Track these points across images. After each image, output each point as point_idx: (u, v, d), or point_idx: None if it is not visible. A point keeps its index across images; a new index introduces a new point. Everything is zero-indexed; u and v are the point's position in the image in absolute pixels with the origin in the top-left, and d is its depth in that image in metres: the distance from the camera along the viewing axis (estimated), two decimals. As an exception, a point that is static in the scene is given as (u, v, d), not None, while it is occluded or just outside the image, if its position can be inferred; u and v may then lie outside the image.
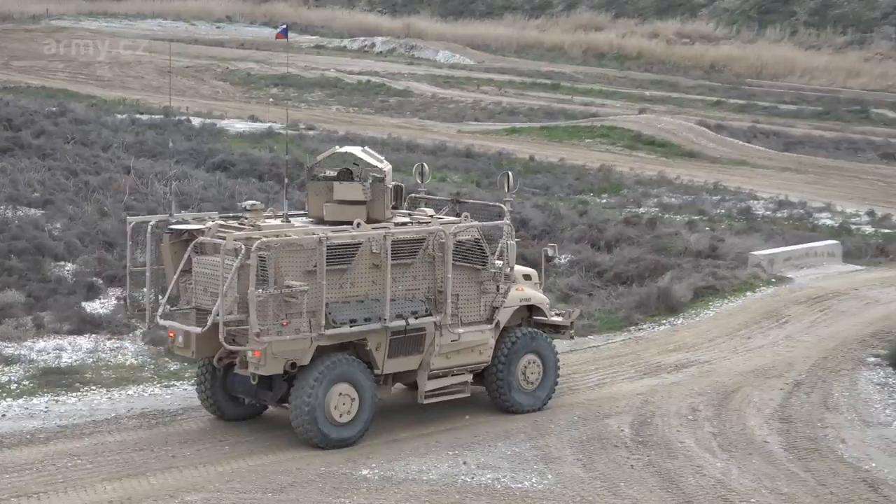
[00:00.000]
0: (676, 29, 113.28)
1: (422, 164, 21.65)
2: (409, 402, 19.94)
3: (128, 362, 22.22)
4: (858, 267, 33.07)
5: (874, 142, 62.25)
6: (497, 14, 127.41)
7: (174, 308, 18.49)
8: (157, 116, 58.24)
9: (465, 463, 17.95)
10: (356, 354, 18.48)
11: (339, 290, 18.03)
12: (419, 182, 21.26)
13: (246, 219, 18.44)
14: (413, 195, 21.00)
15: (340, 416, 18.09)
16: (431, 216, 19.90)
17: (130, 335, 23.53)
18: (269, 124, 59.11)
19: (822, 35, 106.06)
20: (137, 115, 57.91)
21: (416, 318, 18.72)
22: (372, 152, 19.70)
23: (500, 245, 20.14)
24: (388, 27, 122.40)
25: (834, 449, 19.17)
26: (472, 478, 17.42)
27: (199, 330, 17.62)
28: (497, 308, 19.92)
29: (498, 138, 58.48)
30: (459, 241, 19.19)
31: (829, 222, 40.70)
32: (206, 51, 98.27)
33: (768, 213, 42.04)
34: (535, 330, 20.68)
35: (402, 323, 18.50)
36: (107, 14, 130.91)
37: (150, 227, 18.58)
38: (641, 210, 40.36)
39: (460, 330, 19.26)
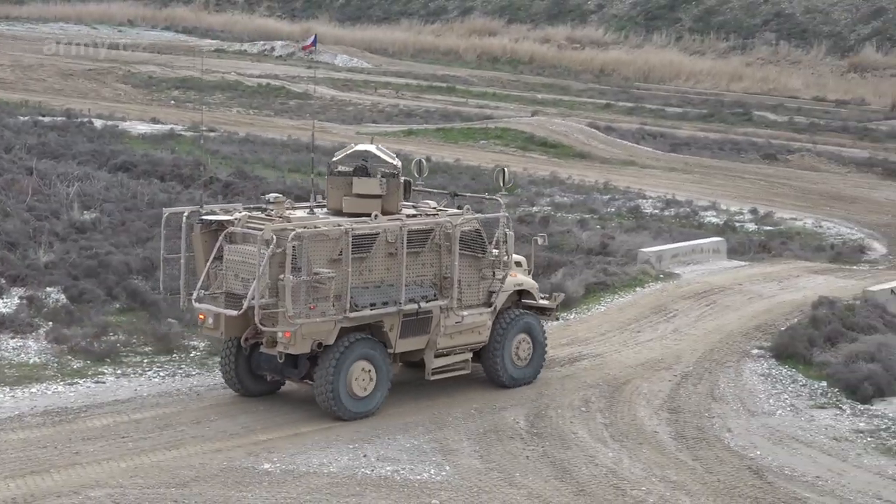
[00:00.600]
0: (567, 34, 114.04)
1: (420, 160, 22.78)
2: (308, 396, 19.81)
3: (31, 360, 21.82)
4: (742, 263, 33.49)
5: (756, 143, 63.11)
6: (394, 19, 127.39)
7: (206, 293, 19.44)
8: (59, 118, 57.34)
9: (365, 456, 17.89)
10: (372, 335, 19.67)
11: (359, 277, 19.16)
12: (417, 176, 22.24)
13: (271, 210, 19.50)
14: (413, 189, 21.86)
15: (360, 390, 19.34)
16: (435, 208, 21.13)
17: (33, 334, 23.12)
18: (170, 126, 58.45)
19: (706, 41, 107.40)
20: (40, 117, 56.96)
21: (427, 301, 19.98)
22: (384, 150, 20.96)
23: (496, 235, 21.11)
24: (288, 31, 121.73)
25: (720, 438, 19.40)
26: (373, 470, 17.37)
27: (235, 313, 18.64)
28: (494, 292, 21.15)
29: (395, 140, 58.30)
30: (463, 232, 20.36)
31: (714, 220, 41.17)
32: (108, 53, 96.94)
33: (656, 211, 42.40)
34: (526, 311, 21.98)
35: (414, 306, 19.76)
36: (9, 18, 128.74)
37: (184, 218, 19.71)
38: (535, 209, 40.52)
39: (464, 312, 20.51)
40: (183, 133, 56.27)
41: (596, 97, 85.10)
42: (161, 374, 21.57)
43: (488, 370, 21.60)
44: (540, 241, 22.77)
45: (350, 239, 18.82)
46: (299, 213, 20.05)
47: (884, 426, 20.23)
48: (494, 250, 21.05)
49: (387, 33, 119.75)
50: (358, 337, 19.35)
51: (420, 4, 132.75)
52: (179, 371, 21.79)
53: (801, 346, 24.00)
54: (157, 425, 18.82)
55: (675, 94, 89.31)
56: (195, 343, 23.23)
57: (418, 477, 17.21)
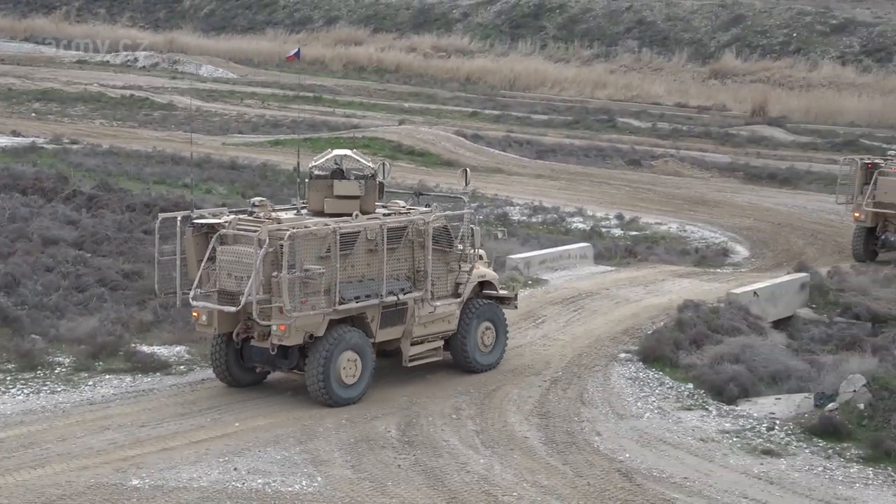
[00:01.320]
0: (433, 43, 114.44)
1: (384, 163, 23.63)
2: (181, 410, 19.57)
3: None
4: (609, 268, 33.89)
5: (621, 149, 63.96)
6: (259, 29, 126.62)
7: (200, 291, 20.61)
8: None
9: (235, 469, 17.73)
10: (356, 326, 21.14)
11: (343, 272, 20.57)
12: (382, 178, 22.97)
13: (258, 213, 20.87)
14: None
15: (348, 378, 20.79)
16: (405, 206, 22.75)
17: None
18: (31, 139, 57.37)
19: (571, 49, 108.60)
20: None
21: (405, 293, 21.57)
22: (360, 154, 22.50)
23: (461, 230, 22.83)
24: (151, 42, 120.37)
25: (590, 442, 19.60)
26: (243, 483, 17.22)
27: (234, 309, 20.06)
28: (461, 284, 22.89)
29: (262, 150, 58.03)
30: (433, 228, 21.89)
31: (581, 226, 41.62)
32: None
33: (524, 218, 42.74)
34: (490, 301, 23.66)
35: (394, 298, 21.37)
36: None
37: (178, 222, 20.83)
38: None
39: (437, 303, 22.23)
40: (44, 146, 55.26)
41: (462, 105, 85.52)
42: (25, 391, 21.15)
43: (457, 357, 23.21)
44: (500, 235, 25.62)
45: (338, 237, 20.26)
46: (287, 215, 21.39)
47: (748, 426, 20.62)
48: (460, 245, 22.77)
49: (252, 43, 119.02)
50: (345, 329, 20.81)
51: (285, 14, 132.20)
52: (44, 388, 21.38)
53: (667, 348, 24.36)
54: (21, 444, 18.44)
55: (541, 102, 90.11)
56: (60, 359, 22.82)
57: (290, 489, 17.11)
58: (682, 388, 22.59)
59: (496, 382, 22.52)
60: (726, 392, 22.06)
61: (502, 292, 24.26)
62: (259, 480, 17.34)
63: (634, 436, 19.97)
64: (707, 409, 21.50)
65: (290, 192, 44.21)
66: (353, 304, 20.79)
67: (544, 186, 51.02)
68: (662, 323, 26.53)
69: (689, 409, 21.48)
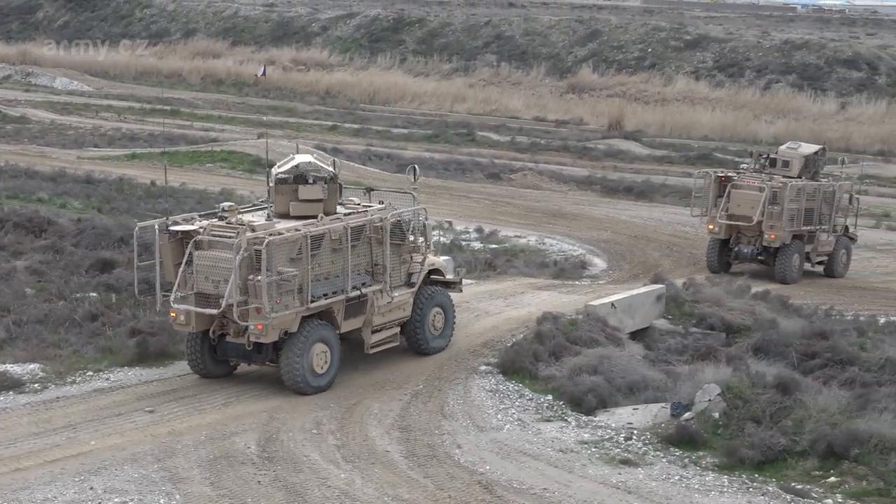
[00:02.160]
0: (292, 56, 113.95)
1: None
2: (35, 429, 19.17)
3: None
4: (469, 281, 33.93)
5: (480, 163, 64.36)
6: (114, 41, 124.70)
7: (169, 293, 22.01)
8: None
9: (91, 489, 17.44)
10: (324, 320, 22.77)
11: (312, 272, 21.99)
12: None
13: (229, 217, 22.22)
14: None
15: (319, 368, 22.50)
16: (359, 204, 24.60)
17: None
18: None
19: (430, 63, 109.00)
20: None
21: (366, 287, 23.31)
22: (321, 158, 24.62)
23: (412, 224, 24.81)
24: (3, 54, 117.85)
25: (451, 454, 19.67)
26: (100, 503, 16.93)
27: (216, 311, 21.48)
28: (414, 273, 24.85)
29: (118, 164, 57.20)
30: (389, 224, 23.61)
31: (442, 239, 41.72)
32: None
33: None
34: (439, 288, 25.69)
35: (357, 292, 23.08)
36: None
37: (156, 229, 22.05)
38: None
39: (395, 294, 24.12)
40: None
41: (322, 119, 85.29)
42: None
43: (411, 341, 25.24)
44: (446, 226, 26.46)
45: (308, 241, 21.76)
46: (258, 220, 22.68)
47: (607, 436, 20.88)
48: (411, 237, 24.69)
49: (108, 55, 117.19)
50: (315, 323, 22.48)
51: (142, 26, 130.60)
52: None
53: (526, 361, 24.54)
54: None
55: (401, 116, 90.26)
56: None
57: (148, 508, 16.87)
58: (542, 399, 22.79)
59: (357, 396, 22.49)
60: (585, 403, 22.32)
61: (449, 277, 26.18)
62: (116, 500, 17.08)
63: (495, 448, 20.09)
64: (566, 421, 21.72)
65: (147, 206, 43.78)
66: (323, 301, 22.37)
67: (404, 200, 50.97)
68: (522, 335, 26.70)
69: (549, 421, 21.68)
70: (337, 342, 23.08)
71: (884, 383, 24.48)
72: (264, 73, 30.01)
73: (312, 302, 22.11)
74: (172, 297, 21.94)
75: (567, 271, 37.43)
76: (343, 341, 23.71)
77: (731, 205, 38.59)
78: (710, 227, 38.98)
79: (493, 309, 29.77)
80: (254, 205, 24.70)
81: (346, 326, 23.59)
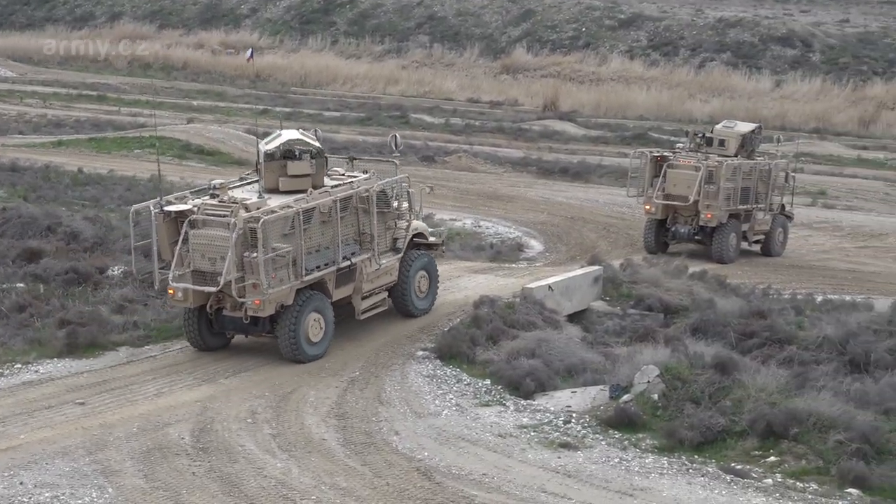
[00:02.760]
0: (221, 39, 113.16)
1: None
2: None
3: None
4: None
5: (414, 145, 64.21)
6: (38, 25, 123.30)
7: (165, 270, 23.09)
8: None
9: (21, 483, 17.27)
10: (316, 290, 23.96)
11: (304, 245, 23.06)
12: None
13: (218, 194, 23.24)
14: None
15: (314, 337, 23.74)
16: (344, 174, 25.71)
17: None
18: None
19: (362, 44, 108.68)
20: None
21: (355, 256, 24.57)
22: (307, 134, 25.28)
23: (395, 191, 26.15)
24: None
25: (388, 441, 19.66)
26: (30, 498, 16.79)
27: (215, 289, 22.57)
28: (399, 239, 26.19)
29: (44, 151, 56.54)
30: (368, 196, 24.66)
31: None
32: None
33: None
34: (423, 252, 27.15)
35: (347, 262, 24.32)
36: None
37: (152, 209, 23.00)
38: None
39: (383, 261, 25.49)
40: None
41: (253, 103, 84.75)
42: None
43: (398, 304, 26.67)
44: (428, 190, 28.43)
45: (301, 217, 22.88)
46: (249, 196, 23.64)
47: (546, 420, 20.95)
48: (395, 204, 26.01)
49: (31, 40, 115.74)
50: (309, 293, 23.63)
51: (66, 10, 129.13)
52: None
53: (463, 345, 24.58)
54: None
55: (333, 99, 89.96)
56: None
57: (79, 502, 16.77)
58: (480, 384, 22.83)
59: (292, 384, 22.41)
60: (523, 387, 22.38)
61: (432, 239, 27.71)
62: (47, 494, 16.92)
63: (433, 434, 20.10)
64: (504, 405, 21.77)
65: (75, 193, 43.34)
66: (316, 273, 23.59)
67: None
68: (458, 319, 26.73)
69: (487, 406, 21.72)
70: (330, 311, 24.22)
71: (822, 361, 24.75)
72: (252, 56, 30.29)
73: (306, 275, 23.25)
74: (171, 275, 22.85)
75: (503, 254, 37.50)
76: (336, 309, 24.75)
77: (667, 185, 38.81)
78: (647, 207, 39.18)
79: (429, 293, 29.74)
80: (241, 179, 25.68)
81: (338, 295, 24.75)
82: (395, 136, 27.79)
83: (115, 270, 29.82)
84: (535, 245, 40.23)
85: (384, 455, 19.04)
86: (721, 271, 35.62)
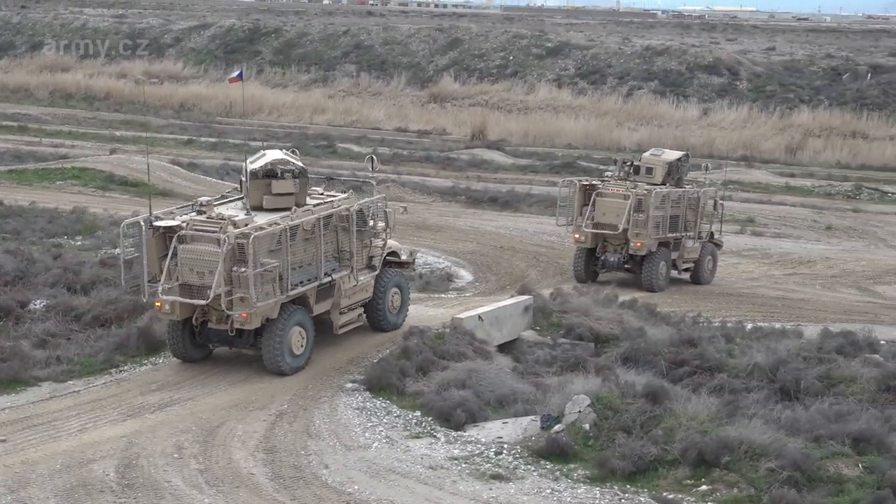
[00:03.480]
0: (144, 69, 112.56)
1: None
2: None
3: None
4: (333, 296, 33.85)
5: (342, 175, 64.02)
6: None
7: (153, 284, 24.08)
8: None
9: (-59, 524, 17.00)
10: (299, 304, 25.17)
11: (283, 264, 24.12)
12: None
13: (204, 210, 24.41)
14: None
15: (297, 349, 24.97)
16: (323, 194, 27.01)
17: None
18: None
19: (288, 73, 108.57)
20: None
21: (336, 272, 25.82)
22: (290, 154, 26.53)
23: (371, 211, 27.30)
24: None
25: (318, 475, 19.57)
26: (-50, 539, 16.52)
27: (204, 302, 23.67)
28: (374, 257, 27.42)
29: (-37, 183, 55.90)
30: (348, 214, 25.89)
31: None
32: None
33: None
34: (396, 269, 28.38)
35: (328, 278, 25.59)
36: None
37: (143, 224, 23.94)
38: (117, 251, 39.63)
39: (361, 277, 26.70)
40: None
41: (177, 133, 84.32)
42: None
43: (372, 319, 27.91)
44: (401, 210, 30.31)
45: (288, 233, 24.09)
46: (230, 211, 25.03)
47: (477, 451, 20.96)
48: (371, 223, 27.09)
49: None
50: (292, 308, 24.87)
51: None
52: None
53: (393, 376, 24.54)
54: None
55: (259, 128, 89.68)
56: None
57: (1, 542, 16.50)
58: (410, 416, 22.80)
59: (220, 418, 22.26)
60: (454, 418, 22.37)
61: (403, 259, 28.92)
62: (-33, 534, 16.67)
63: (363, 467, 20.04)
64: (435, 437, 21.75)
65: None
66: (301, 288, 24.76)
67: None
68: (388, 350, 26.68)
69: (418, 437, 21.69)
70: (311, 325, 25.45)
71: (752, 389, 24.99)
72: (240, 76, 30.25)
73: (291, 289, 24.37)
74: (160, 288, 23.83)
75: (433, 284, 37.53)
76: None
77: (596, 213, 39.07)
78: (576, 236, 39.40)
79: (360, 327, 29.66)
80: (223, 197, 26.67)
81: (318, 309, 25.96)
82: (373, 157, 28.66)
83: (37, 304, 29.50)
84: (465, 275, 40.31)
85: (314, 489, 18.96)
86: (651, 300, 35.83)
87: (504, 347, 28.97)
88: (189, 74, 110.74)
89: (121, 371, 25.53)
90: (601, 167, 62.92)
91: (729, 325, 32.97)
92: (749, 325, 33.26)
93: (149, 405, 22.99)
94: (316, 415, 22.70)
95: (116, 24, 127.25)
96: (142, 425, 21.80)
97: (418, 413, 22.90)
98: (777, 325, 33.46)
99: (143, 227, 24.04)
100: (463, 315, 28.86)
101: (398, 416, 22.83)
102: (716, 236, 41.88)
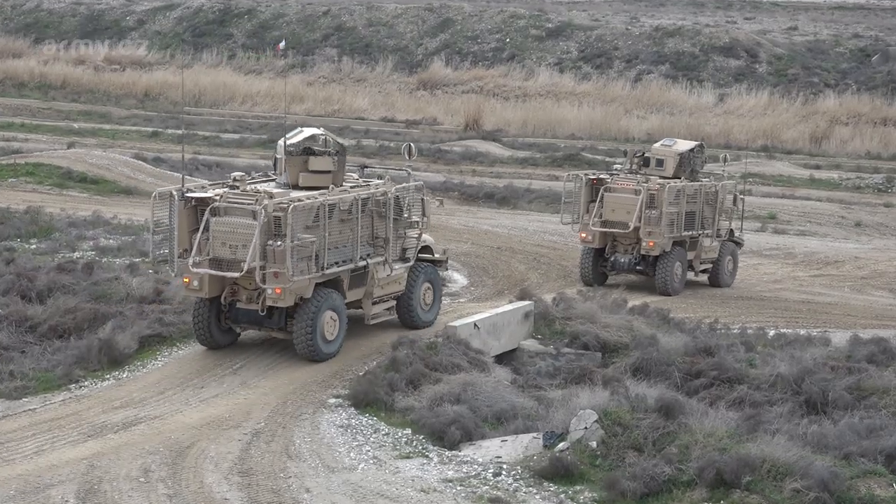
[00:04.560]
0: (105, 54, 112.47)
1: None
2: None
3: None
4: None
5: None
6: None
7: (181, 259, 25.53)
8: None
9: None
10: (333, 288, 26.40)
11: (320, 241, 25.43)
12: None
13: (238, 185, 25.86)
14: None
15: (329, 335, 26.19)
16: (358, 179, 28.42)
17: None
18: None
19: (263, 59, 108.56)
20: None
21: (371, 258, 27.13)
22: (329, 132, 27.79)
23: (407, 200, 28.43)
24: None
25: (299, 500, 19.59)
26: None
27: (237, 275, 25.12)
28: (409, 249, 28.51)
29: None
30: (384, 200, 27.20)
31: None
32: None
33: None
34: (429, 264, 29.50)
35: (364, 262, 26.94)
36: None
37: (175, 195, 25.32)
38: (76, 255, 39.65)
39: (396, 267, 27.97)
40: None
41: (141, 125, 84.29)
42: None
43: (403, 315, 29.02)
44: (437, 204, 31.94)
45: (327, 208, 25.46)
46: (268, 187, 26.39)
47: (473, 473, 20.96)
48: (406, 212, 28.25)
49: None
50: (326, 290, 26.09)
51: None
52: None
53: (381, 391, 24.54)
54: None
55: (231, 119, 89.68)
56: None
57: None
58: (400, 434, 22.81)
59: (190, 438, 22.25)
60: (448, 436, 22.38)
61: (437, 256, 29.98)
62: (-88, 568, 16.66)
63: (348, 490, 20.05)
64: (427, 457, 21.76)
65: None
66: (336, 269, 26.09)
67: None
68: (375, 363, 26.70)
69: (408, 458, 21.70)
70: (344, 310, 26.70)
71: (775, 402, 25.03)
72: (283, 50, 30.73)
73: (327, 269, 25.69)
74: (190, 261, 25.22)
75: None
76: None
77: (604, 210, 39.08)
78: (583, 235, 39.42)
79: (341, 334, 29.69)
80: (259, 175, 28.46)
81: (351, 296, 27.31)
82: (410, 144, 30.33)
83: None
84: (459, 279, 40.30)
85: (294, 515, 18.96)
86: (664, 304, 35.90)
87: (502, 358, 29.01)
88: (154, 60, 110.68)
89: (81, 387, 25.51)
90: (608, 159, 62.99)
91: (749, 331, 33.01)
92: (771, 332, 33.31)
93: (112, 424, 22.96)
94: (296, 433, 22.70)
95: (73, 5, 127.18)
96: (104, 446, 21.79)
97: (408, 431, 22.91)
98: (802, 332, 33.51)
99: (175, 198, 25.32)
100: (457, 323, 28.89)
101: (386, 434, 22.85)
102: (736, 234, 41.92)
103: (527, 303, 31.39)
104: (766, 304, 38.77)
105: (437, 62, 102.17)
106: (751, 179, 58.95)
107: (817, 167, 72.49)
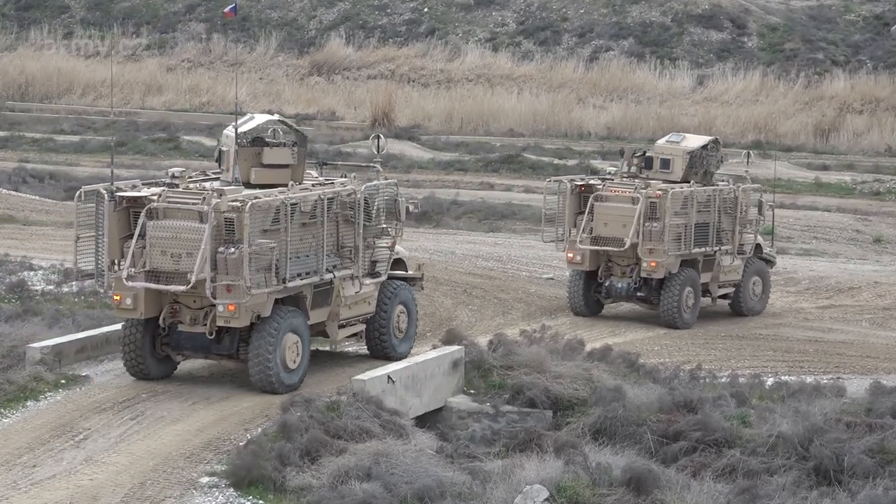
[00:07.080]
0: None
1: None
2: None
3: None
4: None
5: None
6: None
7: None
8: None
9: None
10: (293, 306, 27.04)
11: (281, 248, 26.06)
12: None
13: (177, 183, 26.57)
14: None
15: (291, 362, 26.75)
16: (318, 177, 29.15)
17: None
18: None
19: (108, 38, 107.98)
20: None
21: (336, 270, 27.76)
22: (287, 119, 28.97)
23: (376, 203, 29.03)
24: None
25: None
26: None
27: (183, 288, 25.44)
28: (379, 262, 29.21)
29: None
30: (352, 201, 27.97)
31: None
32: None
33: (51, 287, 42.09)
34: (403, 283, 30.34)
35: (329, 276, 27.55)
36: None
37: (105, 195, 25.91)
38: None
39: (366, 283, 28.79)
40: None
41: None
42: None
43: (374, 344, 29.92)
44: (411, 207, 31.11)
45: (289, 208, 26.10)
46: (222, 186, 26.93)
47: (390, 569, 20.92)
48: (375, 218, 28.97)
49: None
50: (287, 309, 26.73)
51: None
52: None
53: (268, 466, 24.42)
54: None
55: (69, 116, 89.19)
56: None
57: None
58: (293, 521, 22.75)
59: (19, 534, 22.07)
60: (356, 523, 22.35)
61: (410, 273, 31.03)
62: None
63: None
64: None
65: None
66: (299, 282, 26.78)
67: (48, 236, 50.37)
68: (260, 429, 26.59)
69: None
70: (307, 334, 27.48)
71: (775, 471, 25.14)
72: (234, 10, 30.89)
73: (289, 282, 26.31)
74: (125, 273, 25.71)
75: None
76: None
77: (595, 224, 39.15)
78: (570, 255, 39.52)
79: (217, 394, 29.46)
80: (203, 173, 28.92)
81: (314, 317, 27.95)
82: (379, 135, 31.40)
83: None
84: (367, 318, 40.24)
85: None
86: (630, 347, 35.86)
87: (425, 420, 29.00)
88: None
89: None
90: (556, 161, 63.18)
91: (741, 380, 33.15)
92: (769, 381, 33.48)
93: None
94: (158, 525, 22.59)
95: None
96: None
97: (305, 516, 22.86)
98: (809, 380, 33.70)
99: (105, 198, 25.99)
100: (366, 376, 28.82)
101: (276, 522, 22.79)
102: (766, 251, 42.09)
103: (455, 348, 31.38)
104: (761, 345, 38.95)
105: (334, 40, 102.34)
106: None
107: (824, 168, 73.12)
